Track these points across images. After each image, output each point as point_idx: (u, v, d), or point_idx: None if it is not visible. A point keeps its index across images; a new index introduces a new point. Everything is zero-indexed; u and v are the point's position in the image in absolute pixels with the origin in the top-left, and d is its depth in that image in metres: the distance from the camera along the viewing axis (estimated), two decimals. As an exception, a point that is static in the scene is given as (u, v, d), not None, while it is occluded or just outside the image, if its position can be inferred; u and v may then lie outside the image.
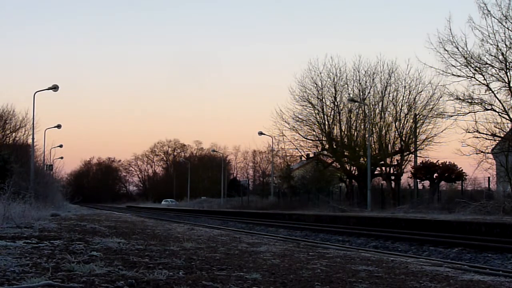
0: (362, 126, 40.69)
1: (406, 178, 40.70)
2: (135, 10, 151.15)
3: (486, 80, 28.86)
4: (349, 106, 40.86)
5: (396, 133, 39.55)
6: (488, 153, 29.77)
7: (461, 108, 29.36)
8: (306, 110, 42.09)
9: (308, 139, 42.84)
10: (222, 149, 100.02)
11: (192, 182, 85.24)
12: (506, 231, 15.64)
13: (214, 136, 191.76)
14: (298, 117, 42.19)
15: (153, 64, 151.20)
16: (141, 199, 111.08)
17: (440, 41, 29.64)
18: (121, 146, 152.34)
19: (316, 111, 41.56)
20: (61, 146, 55.86)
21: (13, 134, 47.14)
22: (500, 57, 28.22)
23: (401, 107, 39.33)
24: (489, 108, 28.86)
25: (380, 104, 39.89)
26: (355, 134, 41.12)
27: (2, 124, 46.33)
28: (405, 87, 39.26)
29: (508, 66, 28.18)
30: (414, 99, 38.95)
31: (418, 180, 36.18)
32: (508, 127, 29.03)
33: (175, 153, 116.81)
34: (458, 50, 29.20)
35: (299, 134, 42.53)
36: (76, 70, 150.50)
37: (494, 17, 27.88)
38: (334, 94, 41.09)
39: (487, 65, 28.73)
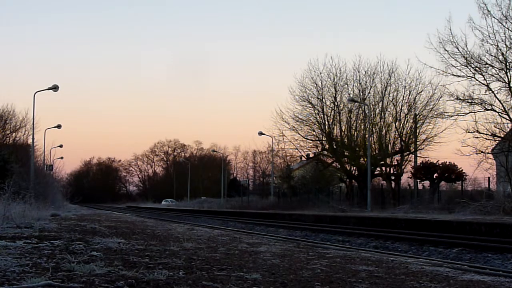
0: (362, 126, 40.68)
1: (406, 178, 40.74)
2: (135, 10, 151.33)
3: (486, 80, 28.87)
4: (349, 106, 40.85)
5: (396, 133, 39.55)
6: (488, 153, 29.75)
7: (461, 108, 29.36)
8: (306, 110, 42.14)
9: (308, 139, 42.87)
10: (222, 149, 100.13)
11: (192, 182, 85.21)
12: (506, 231, 15.63)
13: (214, 136, 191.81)
14: (298, 117, 42.22)
15: (153, 64, 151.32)
16: (141, 199, 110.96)
17: (440, 41, 29.65)
18: (121, 146, 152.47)
19: (316, 111, 41.59)
20: (61, 146, 55.92)
21: (13, 134, 47.24)
22: (500, 57, 28.22)
23: (401, 107, 39.38)
24: (489, 108, 28.86)
25: (380, 104, 39.91)
26: (355, 134, 41.10)
27: (2, 124, 46.36)
28: (405, 87, 39.31)
29: (508, 66, 28.16)
30: (414, 99, 39.00)
31: (418, 180, 36.18)
32: (508, 127, 29.02)
33: (175, 153, 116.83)
34: (458, 50, 29.21)
35: (299, 134, 42.55)
36: (76, 70, 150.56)
37: (494, 17, 27.88)
38: (334, 94, 41.11)
39: (487, 65, 28.72)
